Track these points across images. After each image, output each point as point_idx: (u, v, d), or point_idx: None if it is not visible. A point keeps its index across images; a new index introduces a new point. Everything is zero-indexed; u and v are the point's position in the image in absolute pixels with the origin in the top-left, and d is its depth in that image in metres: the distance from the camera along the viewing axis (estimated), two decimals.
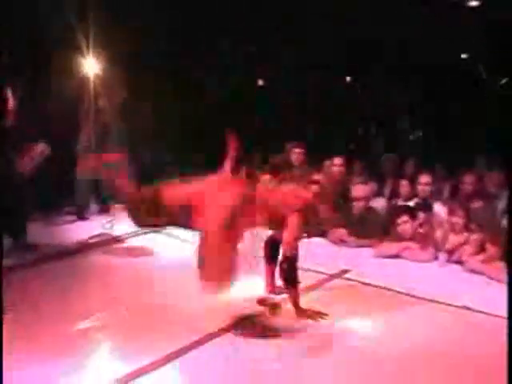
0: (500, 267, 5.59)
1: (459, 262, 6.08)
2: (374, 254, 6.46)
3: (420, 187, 7.06)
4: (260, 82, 13.39)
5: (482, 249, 6.03)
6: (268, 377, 3.88)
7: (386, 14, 10.77)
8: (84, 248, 6.54)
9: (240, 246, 4.51)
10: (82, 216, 7.84)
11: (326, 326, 4.55)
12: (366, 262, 6.28)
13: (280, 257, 4.62)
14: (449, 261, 6.16)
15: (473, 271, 5.88)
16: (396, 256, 6.38)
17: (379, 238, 6.65)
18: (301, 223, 4.52)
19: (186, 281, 5.18)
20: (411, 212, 6.57)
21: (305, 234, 5.09)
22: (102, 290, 5.27)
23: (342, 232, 6.87)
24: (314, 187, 7.39)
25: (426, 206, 6.82)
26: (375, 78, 12.20)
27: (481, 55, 11.78)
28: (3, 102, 6.02)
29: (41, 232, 6.87)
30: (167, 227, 7.29)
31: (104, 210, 8.13)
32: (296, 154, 8.72)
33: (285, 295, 4.73)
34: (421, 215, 6.53)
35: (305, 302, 4.89)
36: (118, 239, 6.92)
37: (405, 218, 6.49)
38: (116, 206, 8.28)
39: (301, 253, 6.25)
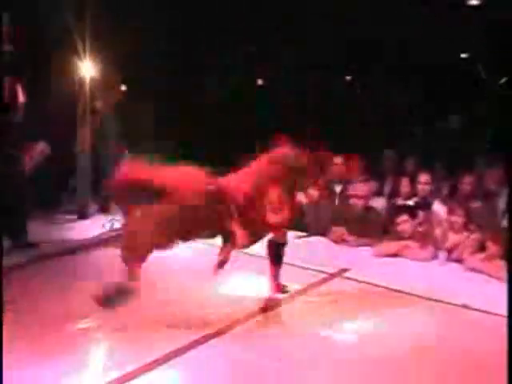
0: (499, 266, 5.59)
1: (459, 261, 6.08)
2: (374, 252, 6.46)
3: (420, 186, 7.07)
4: (259, 82, 13.45)
5: (481, 247, 6.03)
6: (268, 377, 3.87)
7: (385, 13, 10.78)
8: (84, 247, 6.54)
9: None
10: (82, 215, 7.85)
11: (326, 325, 4.56)
12: (365, 260, 6.28)
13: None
14: (448, 259, 6.16)
15: (472, 270, 5.88)
16: (396, 255, 6.38)
17: (379, 237, 6.65)
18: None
19: (186, 279, 5.22)
20: (411, 211, 6.57)
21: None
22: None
23: (342, 231, 6.88)
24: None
25: (425, 205, 6.84)
26: (375, 77, 12.21)
27: (481, 55, 11.80)
28: (13, 97, 6.03)
29: (41, 231, 6.88)
30: None
31: (104, 209, 8.14)
32: None
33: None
34: (420, 214, 6.54)
35: (305, 300, 4.94)
36: (118, 238, 6.91)
37: (404, 217, 6.49)
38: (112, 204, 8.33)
39: (301, 252, 6.35)
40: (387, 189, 7.94)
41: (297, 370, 3.93)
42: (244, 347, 4.20)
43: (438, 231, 6.44)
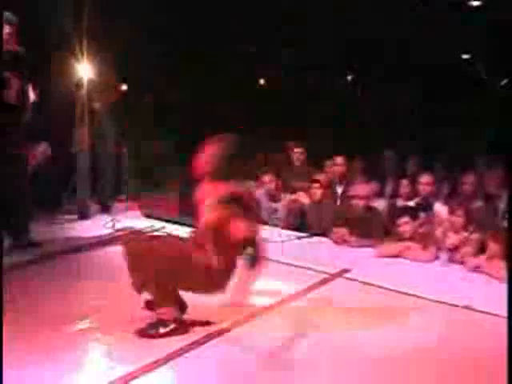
0: (501, 266, 5.60)
1: (460, 262, 6.09)
2: (375, 253, 6.47)
3: (421, 187, 7.08)
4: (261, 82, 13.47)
5: (482, 248, 6.04)
6: (267, 377, 3.88)
7: (386, 14, 10.79)
8: (86, 247, 6.54)
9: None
10: (83, 215, 7.85)
11: (327, 325, 4.58)
12: (366, 261, 6.28)
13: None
14: (450, 260, 6.16)
15: (474, 271, 5.89)
16: (397, 256, 6.38)
17: (380, 238, 6.66)
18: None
19: None
20: (412, 212, 6.58)
21: None
22: (103, 288, 5.27)
23: (343, 231, 6.88)
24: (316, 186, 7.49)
25: (426, 206, 6.84)
26: (375, 78, 12.23)
27: (481, 55, 11.81)
28: (23, 97, 6.04)
29: (42, 231, 6.87)
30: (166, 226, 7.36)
31: (105, 209, 8.15)
32: (296, 153, 8.76)
33: None
34: (421, 215, 6.55)
35: (306, 300, 4.94)
36: (119, 238, 6.91)
37: (405, 218, 6.49)
38: (116, 205, 8.33)
39: (302, 252, 6.36)
40: (388, 190, 7.96)
41: (297, 371, 3.93)
42: (244, 348, 4.20)
43: (439, 232, 6.45)
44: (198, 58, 11.03)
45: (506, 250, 5.55)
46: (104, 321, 4.56)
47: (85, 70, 7.71)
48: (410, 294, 5.28)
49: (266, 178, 7.96)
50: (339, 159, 7.99)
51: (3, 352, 3.67)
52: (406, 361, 4.09)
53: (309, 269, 5.83)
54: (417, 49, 11.39)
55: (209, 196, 4.32)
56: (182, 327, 4.33)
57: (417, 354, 4.18)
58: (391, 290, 5.40)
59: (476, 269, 5.88)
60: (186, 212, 7.30)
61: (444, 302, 5.09)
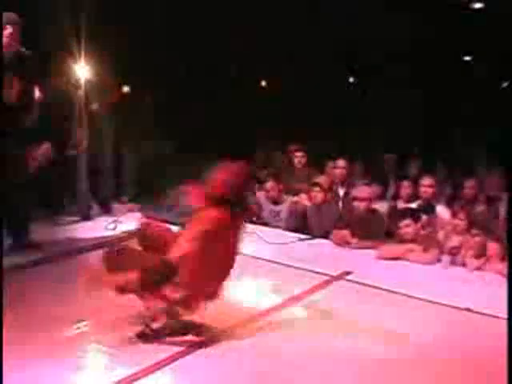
0: (503, 269, 5.59)
1: (462, 264, 6.08)
2: (377, 255, 6.46)
3: (423, 189, 7.08)
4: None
5: (484, 250, 6.03)
6: (267, 378, 3.88)
7: (388, 14, 10.81)
8: (87, 248, 6.53)
9: None
10: (84, 216, 7.84)
11: (328, 328, 4.57)
12: (368, 263, 6.27)
13: None
14: (451, 263, 6.15)
15: (475, 273, 5.89)
16: (398, 258, 6.37)
17: (382, 240, 6.65)
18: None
19: None
20: (413, 214, 6.57)
21: None
22: (105, 290, 5.25)
23: (344, 233, 6.87)
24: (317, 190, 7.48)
25: (428, 208, 6.84)
26: (377, 79, 12.23)
27: (484, 56, 11.81)
28: (28, 98, 6.04)
29: (43, 232, 6.86)
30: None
31: (105, 210, 8.14)
32: (297, 157, 8.76)
33: None
34: (423, 217, 6.54)
35: (307, 303, 4.93)
36: (121, 240, 6.91)
37: (407, 221, 6.48)
38: (116, 206, 8.32)
39: (304, 254, 6.35)
40: (390, 192, 7.96)
41: (297, 373, 3.93)
42: (244, 351, 4.19)
43: (441, 234, 6.45)
44: (198, 58, 11.04)
45: (507, 250, 5.57)
46: (104, 323, 4.56)
47: (84, 70, 7.71)
48: (411, 296, 5.28)
49: (268, 181, 7.96)
50: (341, 161, 7.99)
51: (4, 353, 3.69)
52: (407, 362, 4.10)
53: (310, 271, 5.81)
54: (419, 49, 11.41)
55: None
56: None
57: (418, 355, 4.19)
58: (392, 292, 5.40)
59: (478, 271, 5.88)
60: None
61: (445, 305, 5.09)
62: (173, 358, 4.03)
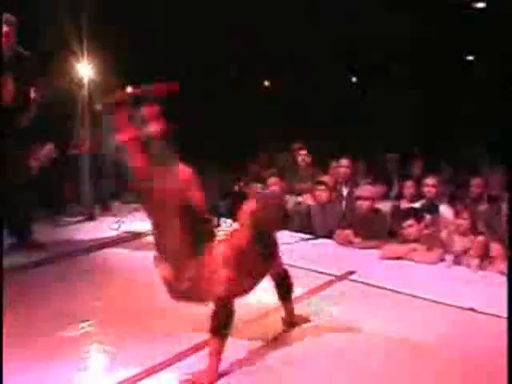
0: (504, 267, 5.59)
1: (465, 264, 6.07)
2: (380, 255, 6.45)
3: (426, 189, 7.07)
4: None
5: (487, 251, 6.02)
6: (269, 377, 3.87)
7: (390, 15, 10.80)
8: (91, 248, 6.54)
9: None
10: (88, 217, 7.85)
11: (331, 327, 4.56)
12: (371, 263, 6.27)
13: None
14: (455, 262, 6.14)
15: (479, 273, 5.88)
16: (402, 257, 6.36)
17: (385, 240, 6.64)
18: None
19: None
20: (417, 215, 6.56)
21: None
22: (107, 290, 5.27)
23: (348, 233, 6.87)
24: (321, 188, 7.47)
25: (432, 208, 6.82)
26: (379, 79, 12.23)
27: (485, 56, 11.80)
28: (25, 98, 6.04)
29: (47, 232, 6.88)
30: None
31: (106, 208, 8.15)
32: (302, 155, 8.75)
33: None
34: (427, 217, 6.53)
35: (310, 302, 4.92)
36: (125, 239, 6.92)
37: (411, 221, 6.47)
38: (117, 204, 8.34)
39: (307, 253, 6.34)
40: (393, 191, 7.95)
41: (300, 373, 3.94)
42: (246, 350, 4.18)
43: (444, 234, 6.44)
44: (199, 58, 11.05)
45: (507, 249, 5.57)
46: (107, 322, 4.56)
47: (86, 69, 7.72)
48: (414, 296, 5.27)
49: (271, 180, 7.97)
50: (344, 160, 7.98)
51: (5, 355, 3.70)
52: (410, 362, 4.09)
53: (313, 270, 5.81)
54: (417, 49, 11.41)
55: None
56: None
57: (421, 355, 4.19)
58: (396, 291, 5.39)
59: (481, 271, 5.87)
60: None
61: (449, 304, 5.07)
62: (176, 359, 4.02)
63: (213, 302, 3.86)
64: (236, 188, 8.21)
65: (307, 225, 7.39)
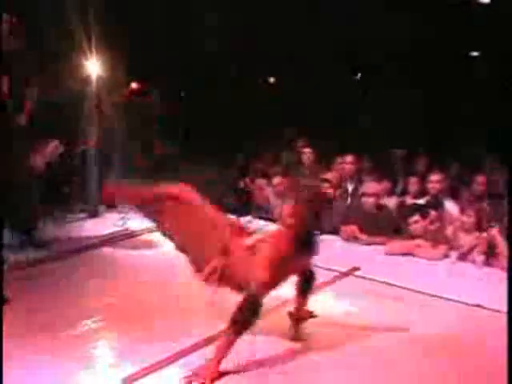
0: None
1: (470, 260, 6.07)
2: (386, 251, 6.47)
3: (431, 185, 7.07)
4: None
5: (492, 247, 6.02)
6: (273, 374, 3.89)
7: (393, 13, 10.79)
8: (97, 245, 6.55)
9: None
10: (92, 213, 7.86)
11: (337, 323, 4.57)
12: (377, 259, 6.30)
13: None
14: (460, 259, 6.15)
15: (484, 269, 5.88)
16: (407, 254, 6.37)
17: (390, 236, 6.65)
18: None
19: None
20: (422, 211, 6.56)
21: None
22: (112, 288, 5.28)
23: (353, 229, 6.88)
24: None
25: (437, 204, 6.82)
26: (383, 76, 12.21)
27: (491, 53, 11.77)
28: (21, 100, 6.04)
29: (52, 229, 6.89)
30: None
31: (111, 206, 8.15)
32: (306, 153, 8.75)
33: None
34: (432, 213, 6.53)
35: (315, 298, 4.92)
36: (130, 236, 6.93)
37: (416, 217, 6.48)
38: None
39: None
40: (399, 188, 7.95)
41: (305, 369, 3.95)
42: (251, 347, 4.17)
43: (449, 230, 6.44)
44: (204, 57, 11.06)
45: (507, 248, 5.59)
46: (110, 321, 4.57)
47: (94, 67, 7.74)
48: (419, 292, 5.28)
49: (276, 180, 7.98)
50: (349, 157, 7.98)
51: (10, 351, 3.72)
52: (416, 358, 4.11)
53: (319, 267, 5.80)
54: (425, 46, 11.38)
55: None
56: None
57: (426, 351, 4.20)
58: (401, 287, 5.40)
59: (486, 267, 5.88)
60: None
61: (454, 300, 5.09)
62: (179, 355, 4.04)
63: (243, 296, 3.88)
64: (241, 185, 8.20)
65: None
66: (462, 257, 6.16)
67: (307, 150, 8.80)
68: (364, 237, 6.83)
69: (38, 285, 5.29)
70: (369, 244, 6.72)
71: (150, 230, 7.09)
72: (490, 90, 11.30)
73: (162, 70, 9.93)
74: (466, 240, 6.22)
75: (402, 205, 7.24)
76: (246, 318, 3.80)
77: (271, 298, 3.99)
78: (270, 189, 7.97)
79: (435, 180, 7.07)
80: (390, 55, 11.76)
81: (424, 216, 6.47)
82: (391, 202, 7.32)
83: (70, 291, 5.12)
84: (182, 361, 3.99)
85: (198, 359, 3.96)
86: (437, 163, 8.11)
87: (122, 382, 3.74)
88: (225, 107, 11.01)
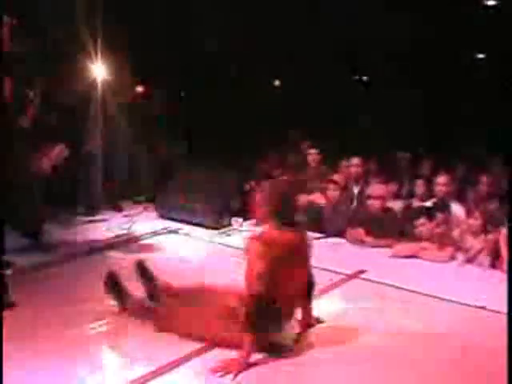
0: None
1: (477, 263, 6.06)
2: (392, 254, 6.46)
3: (437, 188, 7.05)
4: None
5: (498, 249, 6.01)
6: (279, 376, 3.88)
7: (397, 13, 10.80)
8: (102, 248, 6.56)
9: None
10: (93, 214, 7.88)
11: (343, 326, 4.57)
12: (383, 261, 6.28)
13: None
14: (466, 261, 6.13)
15: (490, 271, 5.87)
16: (413, 256, 6.36)
17: (396, 238, 6.64)
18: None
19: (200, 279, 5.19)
20: (428, 213, 6.55)
21: None
22: None
23: (359, 232, 6.87)
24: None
25: (443, 206, 6.81)
26: (386, 78, 12.22)
27: (492, 53, 11.77)
28: (24, 103, 6.05)
29: (57, 232, 6.90)
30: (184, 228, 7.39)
31: (117, 209, 8.17)
32: (312, 154, 8.75)
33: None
34: (438, 215, 6.52)
35: (321, 301, 4.91)
36: (136, 239, 6.94)
37: (423, 220, 6.47)
38: (130, 205, 8.37)
39: (319, 252, 6.33)
40: (405, 190, 7.94)
41: (309, 371, 3.95)
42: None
43: (456, 233, 6.43)
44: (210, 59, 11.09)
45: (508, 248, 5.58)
46: (117, 323, 4.57)
47: (99, 70, 7.76)
48: (426, 295, 5.27)
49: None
50: (355, 160, 7.97)
51: (15, 352, 3.72)
52: (421, 361, 4.09)
53: (325, 269, 5.80)
54: (419, 49, 11.39)
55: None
56: None
57: (433, 353, 4.19)
58: (407, 290, 5.38)
59: (492, 269, 5.87)
60: None
61: (460, 303, 5.07)
62: (187, 358, 4.02)
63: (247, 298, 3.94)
64: (247, 187, 8.21)
65: (318, 224, 7.38)
66: (469, 259, 6.14)
67: (312, 151, 8.80)
68: (370, 239, 6.81)
69: (44, 288, 5.28)
70: (375, 246, 6.71)
71: (156, 234, 7.14)
72: (490, 90, 11.31)
73: (162, 70, 9.94)
74: (473, 243, 6.20)
75: (408, 207, 7.23)
76: (252, 319, 3.86)
77: None
78: None
79: (442, 182, 7.06)
80: (390, 55, 11.77)
81: (430, 218, 6.46)
82: (397, 205, 7.31)
83: (76, 294, 5.10)
84: (189, 364, 3.97)
85: (205, 362, 3.96)
86: (442, 165, 8.10)
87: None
88: (225, 108, 11.03)
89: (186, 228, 7.41)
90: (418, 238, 6.46)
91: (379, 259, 6.35)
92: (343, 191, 7.60)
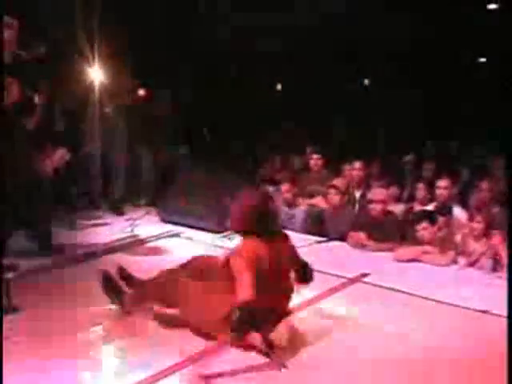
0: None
1: (479, 267, 6.06)
2: (393, 257, 6.46)
3: (439, 191, 7.06)
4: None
5: (500, 252, 6.02)
6: (281, 380, 3.89)
7: (399, 14, 10.81)
8: (105, 251, 6.56)
9: None
10: (94, 216, 7.89)
11: (345, 329, 4.58)
12: (384, 265, 6.28)
13: None
14: (468, 265, 6.14)
15: (492, 275, 5.87)
16: (415, 260, 6.36)
17: (398, 242, 6.64)
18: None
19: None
20: (430, 217, 6.55)
21: None
22: None
23: (361, 236, 6.87)
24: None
25: (445, 210, 6.82)
26: (388, 80, 12.23)
27: (492, 53, 11.79)
28: (29, 104, 6.05)
29: (59, 235, 6.89)
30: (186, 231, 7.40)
31: (119, 212, 8.17)
32: (314, 159, 8.77)
33: None
34: (440, 219, 6.53)
35: (323, 305, 4.92)
36: (139, 242, 6.94)
37: (424, 224, 6.47)
38: (131, 208, 8.37)
39: (320, 256, 6.35)
40: (406, 194, 7.95)
41: (312, 375, 3.94)
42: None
43: (458, 236, 6.43)
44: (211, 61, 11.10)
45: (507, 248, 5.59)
46: (118, 328, 4.58)
47: (97, 72, 7.77)
48: (428, 299, 5.27)
49: (284, 187, 7.99)
50: (357, 163, 7.98)
51: (18, 354, 3.73)
52: (422, 365, 4.10)
53: (327, 273, 5.81)
54: (419, 49, 11.41)
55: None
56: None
57: (434, 357, 4.20)
58: (409, 294, 5.39)
59: (494, 273, 5.87)
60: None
61: (462, 307, 5.07)
62: (188, 361, 4.02)
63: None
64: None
65: (320, 228, 7.39)
66: (471, 263, 6.15)
67: (315, 155, 8.82)
68: (371, 243, 6.82)
69: (48, 290, 5.28)
70: (376, 250, 6.71)
71: (158, 237, 7.14)
72: (490, 90, 11.32)
73: (161, 69, 9.96)
74: (475, 247, 6.20)
75: (409, 211, 7.24)
76: (237, 325, 3.87)
77: None
78: (277, 195, 7.97)
79: (443, 186, 7.07)
80: (390, 55, 11.79)
81: (432, 222, 6.46)
82: (398, 209, 7.32)
83: (78, 297, 5.11)
84: (190, 368, 3.97)
85: (206, 365, 3.95)
86: (444, 168, 8.11)
87: None
88: (225, 108, 11.05)
89: (188, 231, 7.41)
90: (419, 242, 6.46)
91: (381, 263, 6.34)
92: (344, 196, 7.60)
